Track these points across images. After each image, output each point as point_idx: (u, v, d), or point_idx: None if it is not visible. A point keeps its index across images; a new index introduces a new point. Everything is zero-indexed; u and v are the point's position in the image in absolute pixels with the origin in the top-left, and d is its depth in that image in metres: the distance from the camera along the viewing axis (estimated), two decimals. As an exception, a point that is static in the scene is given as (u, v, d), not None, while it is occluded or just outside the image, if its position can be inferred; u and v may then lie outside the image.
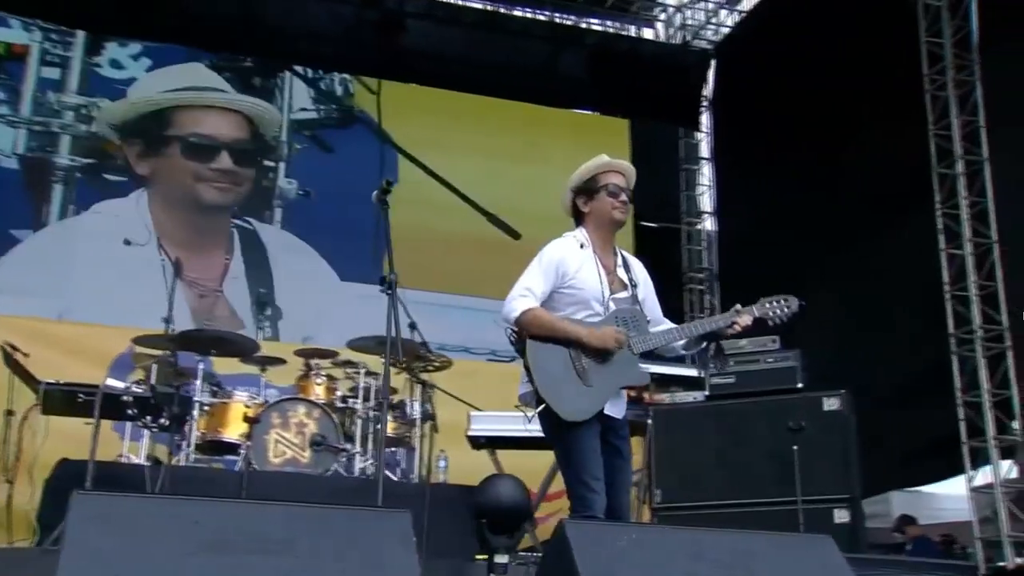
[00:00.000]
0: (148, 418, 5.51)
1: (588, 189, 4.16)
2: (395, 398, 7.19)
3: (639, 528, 2.80)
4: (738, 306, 4.04)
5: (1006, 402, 9.16)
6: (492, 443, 6.19)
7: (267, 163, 11.45)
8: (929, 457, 9.67)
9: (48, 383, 5.14)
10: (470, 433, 6.16)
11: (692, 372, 7.27)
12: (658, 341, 4.03)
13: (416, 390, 7.00)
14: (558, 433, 3.88)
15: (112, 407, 5.23)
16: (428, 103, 12.35)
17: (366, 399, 7.00)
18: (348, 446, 6.64)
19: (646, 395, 7.12)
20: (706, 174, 13.40)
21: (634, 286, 4.13)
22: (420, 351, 6.99)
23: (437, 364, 7.23)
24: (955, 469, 9.42)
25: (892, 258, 10.07)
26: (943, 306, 9.56)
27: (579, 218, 4.20)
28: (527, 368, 3.89)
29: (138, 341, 6.85)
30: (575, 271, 4.02)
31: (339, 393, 7.08)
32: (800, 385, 6.68)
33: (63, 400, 5.10)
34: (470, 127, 12.54)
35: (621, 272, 4.15)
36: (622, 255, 4.22)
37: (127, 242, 10.46)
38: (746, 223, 12.53)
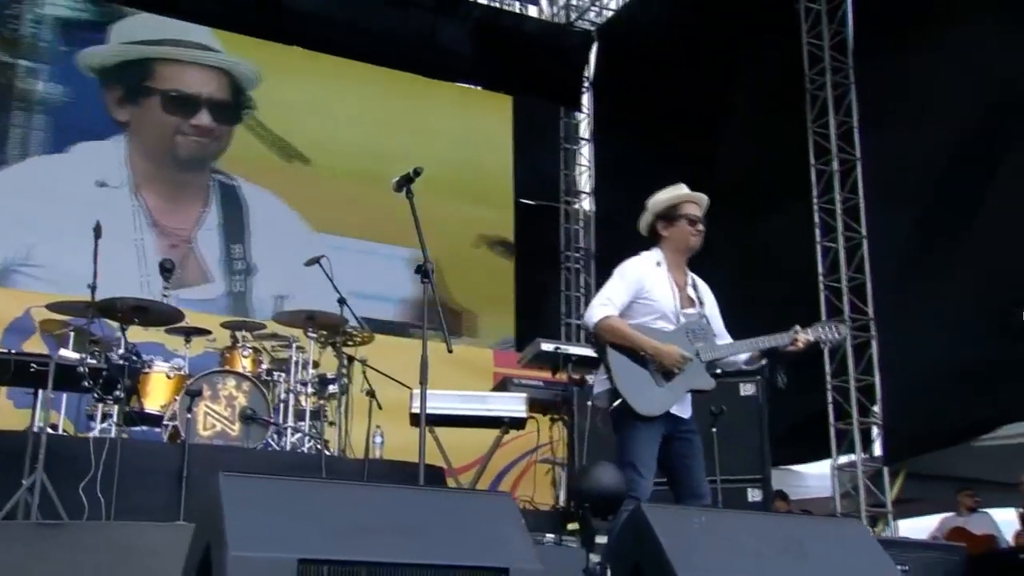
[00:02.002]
0: (101, 390, 5.31)
1: (669, 216, 4.58)
2: (316, 372, 7.18)
3: (707, 512, 2.98)
4: (797, 327, 4.47)
5: (870, 387, 9.84)
6: (436, 421, 6.27)
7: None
8: (802, 437, 10.26)
9: (0, 353, 4.89)
10: (413, 410, 6.22)
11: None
12: (723, 352, 4.50)
13: (351, 366, 6.97)
14: (627, 426, 4.27)
15: (66, 378, 5.03)
16: (312, 67, 12.17)
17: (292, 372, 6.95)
18: (278, 420, 6.57)
19: (562, 375, 7.30)
20: (585, 154, 13.66)
21: (701, 303, 4.57)
22: (344, 326, 7.01)
23: (360, 339, 7.24)
24: (824, 449, 10.06)
25: (771, 245, 10.61)
26: (817, 295, 10.15)
27: (655, 239, 4.61)
28: (607, 368, 4.29)
29: (53, 307, 6.55)
30: (651, 286, 4.46)
31: (264, 366, 6.99)
32: (718, 371, 7.00)
33: (16, 370, 4.86)
34: (353, 95, 12.45)
35: (691, 291, 4.59)
36: (691, 276, 4.65)
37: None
38: (623, 204, 12.81)
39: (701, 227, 4.59)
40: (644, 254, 4.57)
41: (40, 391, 5.63)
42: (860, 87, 10.40)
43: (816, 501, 10.87)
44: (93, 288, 5.93)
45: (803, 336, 4.43)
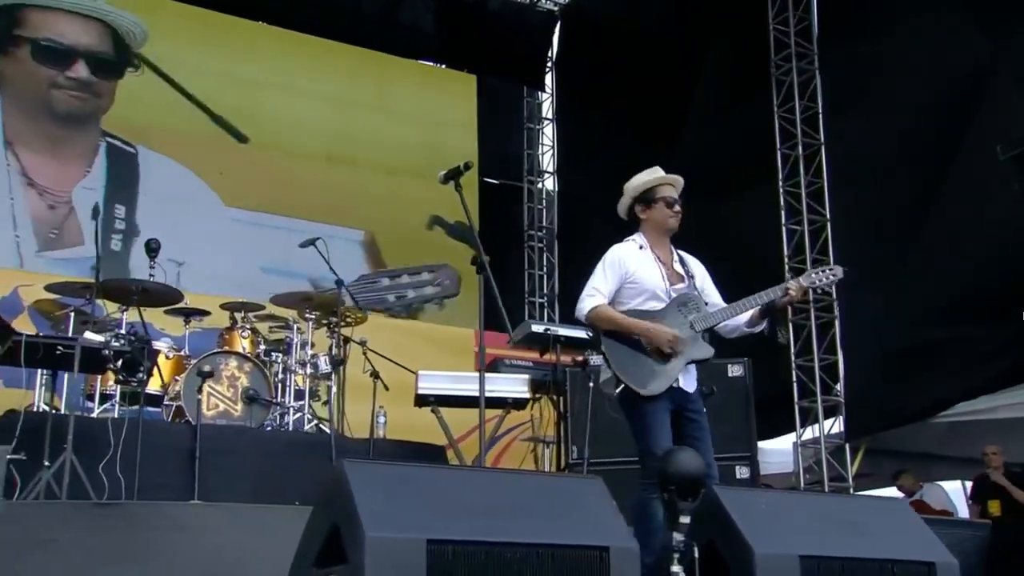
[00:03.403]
0: (125, 372, 5.33)
1: (646, 199, 4.67)
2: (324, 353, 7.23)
3: (771, 493, 3.17)
4: (788, 277, 4.53)
5: (832, 366, 10.16)
6: (440, 402, 6.41)
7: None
8: (766, 414, 10.55)
9: (28, 336, 4.90)
10: (419, 391, 6.35)
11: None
12: (716, 319, 4.55)
13: (347, 347, 7.04)
14: (634, 409, 4.37)
15: (91, 360, 5.05)
16: (269, 42, 12.09)
17: (291, 353, 7.01)
18: (281, 400, 6.64)
19: (551, 355, 7.45)
20: (548, 134, 13.77)
21: (691, 277, 4.66)
22: (337, 307, 7.08)
23: (354, 319, 7.32)
24: (785, 425, 10.38)
25: (735, 228, 10.84)
26: (783, 276, 10.42)
27: (635, 222, 4.69)
28: (604, 356, 4.39)
29: (53, 288, 6.52)
30: (635, 269, 4.54)
31: (262, 347, 7.03)
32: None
33: (44, 353, 4.87)
34: (312, 71, 12.40)
35: (678, 266, 4.67)
36: (677, 253, 4.74)
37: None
38: (586, 184, 13.02)
39: (678, 208, 4.68)
40: (626, 240, 4.67)
41: (39, 371, 5.68)
42: (824, 73, 10.65)
43: (776, 476, 11.19)
44: (97, 270, 5.92)
45: (795, 284, 4.52)
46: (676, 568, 2.90)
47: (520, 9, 13.65)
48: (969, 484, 10.47)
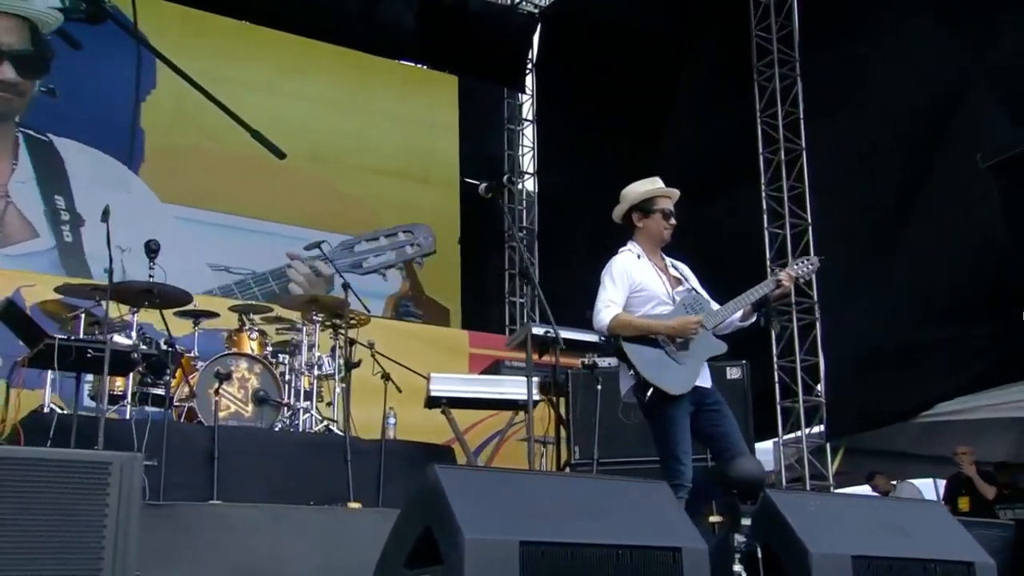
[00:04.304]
0: (153, 375, 5.37)
1: (644, 208, 4.82)
2: (316, 353, 7.28)
3: (819, 496, 3.32)
4: (776, 269, 4.72)
5: (814, 367, 10.36)
6: (453, 403, 6.51)
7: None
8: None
9: (61, 338, 4.92)
10: (432, 393, 6.44)
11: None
12: (722, 316, 4.75)
13: (352, 348, 7.09)
14: (657, 413, 4.52)
15: (120, 363, 5.07)
16: (244, 40, 12.09)
17: (296, 355, 7.05)
18: (291, 401, 6.69)
19: (550, 357, 7.55)
20: (528, 135, 13.88)
21: (686, 279, 4.86)
22: (341, 309, 7.13)
23: (357, 321, 7.36)
24: (773, 428, 10.55)
25: (718, 230, 11.00)
26: (764, 279, 10.58)
27: (628, 228, 4.86)
28: (629, 363, 4.51)
29: (61, 290, 6.51)
30: (640, 278, 4.72)
31: (269, 348, 7.07)
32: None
33: (76, 356, 4.90)
34: (298, 71, 12.41)
35: (673, 271, 4.88)
36: (667, 259, 4.93)
37: None
38: (566, 185, 13.13)
39: (674, 221, 4.87)
40: (622, 251, 4.84)
41: (48, 372, 5.69)
42: (806, 80, 10.84)
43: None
44: (110, 272, 5.90)
45: (785, 275, 4.78)
46: (738, 567, 3.03)
47: (501, 11, 13.75)
48: (942, 482, 10.73)
